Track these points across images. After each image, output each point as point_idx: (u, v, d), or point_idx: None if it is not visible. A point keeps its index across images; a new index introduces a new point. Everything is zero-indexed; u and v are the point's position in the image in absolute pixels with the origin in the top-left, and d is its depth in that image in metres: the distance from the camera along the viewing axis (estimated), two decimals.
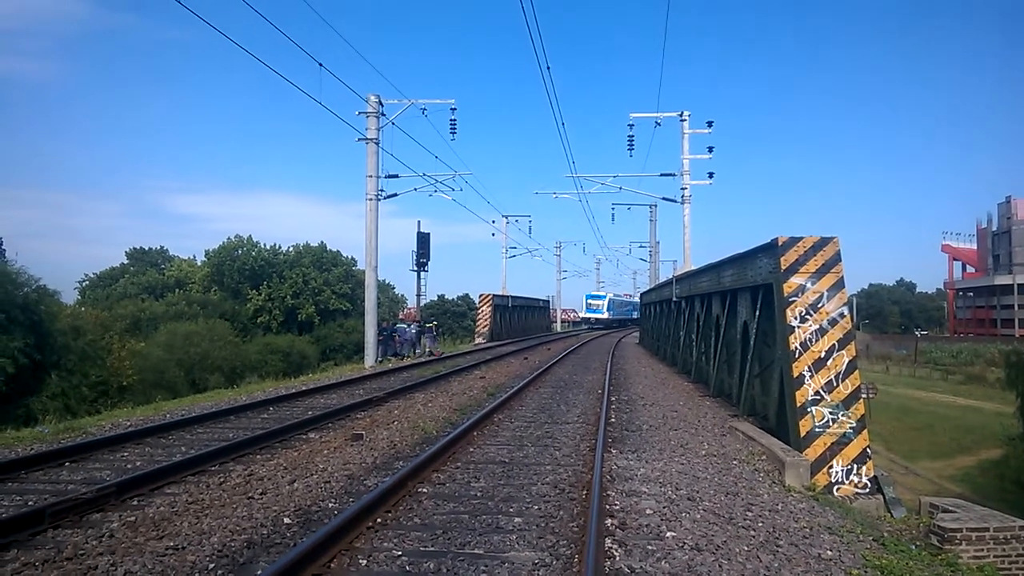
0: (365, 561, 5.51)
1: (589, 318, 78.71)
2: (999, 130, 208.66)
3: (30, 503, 6.99)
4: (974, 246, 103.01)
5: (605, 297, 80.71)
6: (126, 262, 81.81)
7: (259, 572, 5.19)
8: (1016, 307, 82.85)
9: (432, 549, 5.79)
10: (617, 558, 5.62)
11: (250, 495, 7.33)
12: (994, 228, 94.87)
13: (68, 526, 6.29)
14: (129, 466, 8.84)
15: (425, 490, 7.66)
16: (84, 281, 76.25)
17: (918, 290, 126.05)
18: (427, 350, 30.99)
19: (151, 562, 5.40)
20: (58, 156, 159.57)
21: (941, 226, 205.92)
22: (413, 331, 30.97)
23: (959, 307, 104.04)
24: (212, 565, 5.38)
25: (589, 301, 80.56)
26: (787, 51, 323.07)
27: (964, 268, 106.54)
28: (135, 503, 7.10)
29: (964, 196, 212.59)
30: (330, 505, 7.04)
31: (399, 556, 5.61)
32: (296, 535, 6.09)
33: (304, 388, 17.09)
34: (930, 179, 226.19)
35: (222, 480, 7.99)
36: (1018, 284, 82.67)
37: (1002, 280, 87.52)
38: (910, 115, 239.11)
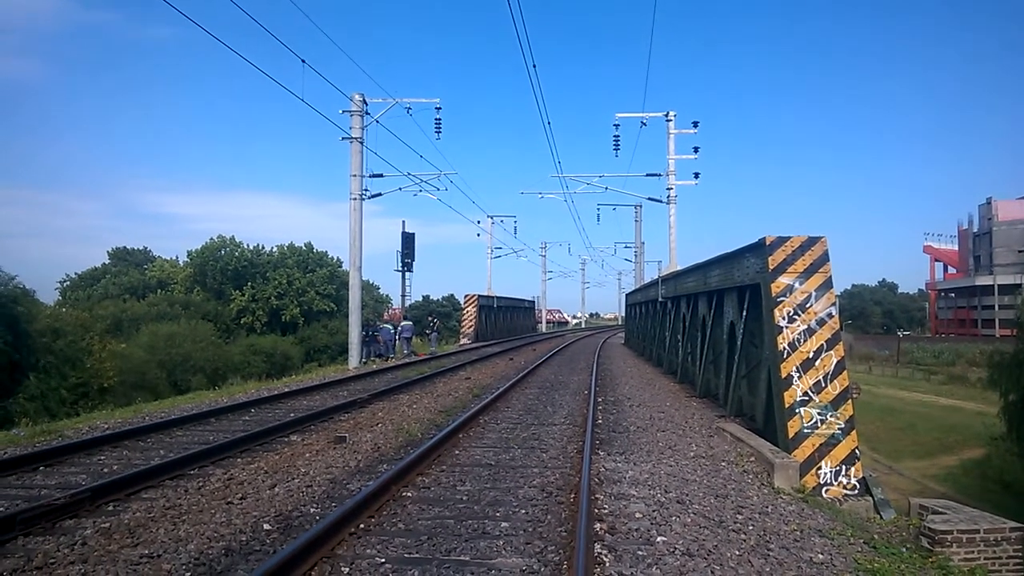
0: (347, 569, 5.34)
1: None
2: (981, 131, 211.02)
3: (1, 509, 6.76)
4: (955, 247, 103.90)
5: None
6: (108, 262, 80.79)
7: None
8: (996, 307, 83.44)
9: (417, 556, 5.63)
10: (607, 564, 5.49)
11: (229, 500, 7.14)
12: (975, 229, 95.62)
13: (40, 533, 6.08)
14: (105, 470, 8.63)
15: (409, 494, 7.49)
16: (65, 282, 75.23)
17: (900, 291, 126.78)
18: (405, 351, 30.69)
19: (124, 571, 5.21)
20: (39, 155, 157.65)
21: (923, 227, 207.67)
22: (392, 330, 30.77)
23: (940, 308, 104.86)
24: (188, 574, 5.19)
25: None
26: (773, 52, 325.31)
27: (946, 269, 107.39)
28: (110, 509, 6.89)
29: (946, 197, 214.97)
30: (312, 510, 6.87)
31: (383, 563, 5.44)
32: (276, 542, 5.91)
33: (287, 390, 16.86)
34: (912, 180, 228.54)
35: (201, 484, 7.79)
36: (998, 285, 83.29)
37: (983, 281, 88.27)
38: (893, 116, 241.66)
